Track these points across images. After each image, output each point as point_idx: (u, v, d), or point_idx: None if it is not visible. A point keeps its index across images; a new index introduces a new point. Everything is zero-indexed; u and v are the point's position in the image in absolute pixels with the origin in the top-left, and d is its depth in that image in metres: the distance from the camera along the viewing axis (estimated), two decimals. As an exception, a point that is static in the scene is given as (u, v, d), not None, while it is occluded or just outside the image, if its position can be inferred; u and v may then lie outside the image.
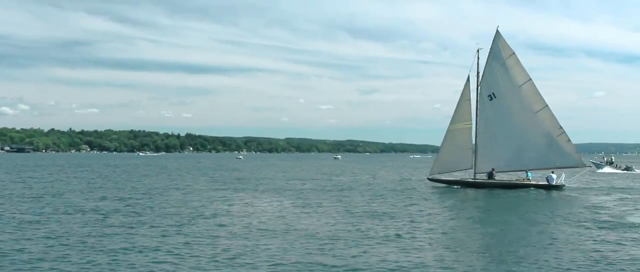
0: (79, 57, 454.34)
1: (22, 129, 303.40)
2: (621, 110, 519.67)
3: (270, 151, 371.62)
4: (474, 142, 41.93)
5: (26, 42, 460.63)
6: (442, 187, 41.40)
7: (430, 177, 43.81)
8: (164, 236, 18.67)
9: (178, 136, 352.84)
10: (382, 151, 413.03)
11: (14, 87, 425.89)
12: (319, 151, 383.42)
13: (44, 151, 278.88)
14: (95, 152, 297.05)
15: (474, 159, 41.70)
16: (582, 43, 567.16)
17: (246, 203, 29.97)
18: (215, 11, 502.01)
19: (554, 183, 38.36)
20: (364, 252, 16.23)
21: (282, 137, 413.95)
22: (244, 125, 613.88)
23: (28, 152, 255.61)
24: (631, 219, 23.87)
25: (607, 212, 26.49)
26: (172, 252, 16.04)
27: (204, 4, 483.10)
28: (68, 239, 17.98)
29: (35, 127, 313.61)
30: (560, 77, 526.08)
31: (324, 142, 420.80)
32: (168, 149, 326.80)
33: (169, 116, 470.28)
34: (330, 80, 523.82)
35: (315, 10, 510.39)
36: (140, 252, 16.05)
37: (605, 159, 78.51)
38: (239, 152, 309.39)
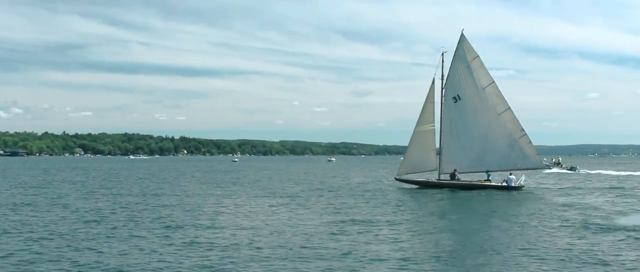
0: (72, 61, 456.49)
1: (15, 132, 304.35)
2: (614, 112, 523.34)
3: (264, 153, 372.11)
4: (438, 143, 42.81)
5: (19, 46, 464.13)
6: (408, 187, 42.35)
7: (397, 177, 44.67)
8: (158, 238, 19.07)
9: (172, 139, 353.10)
10: (376, 153, 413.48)
11: (8, 90, 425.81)
12: (314, 153, 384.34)
13: (37, 154, 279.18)
14: (89, 155, 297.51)
15: (438, 160, 42.57)
16: (575, 45, 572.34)
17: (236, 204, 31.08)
18: (209, 14, 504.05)
19: (513, 185, 39.18)
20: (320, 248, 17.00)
21: (276, 139, 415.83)
22: (238, 127, 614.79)
23: (22, 155, 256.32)
24: (591, 217, 24.79)
25: (566, 210, 27.70)
26: (171, 254, 16.28)
27: (197, 6, 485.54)
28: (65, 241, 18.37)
29: (29, 130, 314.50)
30: (554, 79, 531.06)
31: (318, 144, 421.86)
32: (162, 152, 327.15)
33: (163, 119, 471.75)
34: (324, 83, 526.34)
35: (309, 13, 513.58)
36: (140, 253, 16.39)
37: (553, 160, 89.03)
38: (234, 154, 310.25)
